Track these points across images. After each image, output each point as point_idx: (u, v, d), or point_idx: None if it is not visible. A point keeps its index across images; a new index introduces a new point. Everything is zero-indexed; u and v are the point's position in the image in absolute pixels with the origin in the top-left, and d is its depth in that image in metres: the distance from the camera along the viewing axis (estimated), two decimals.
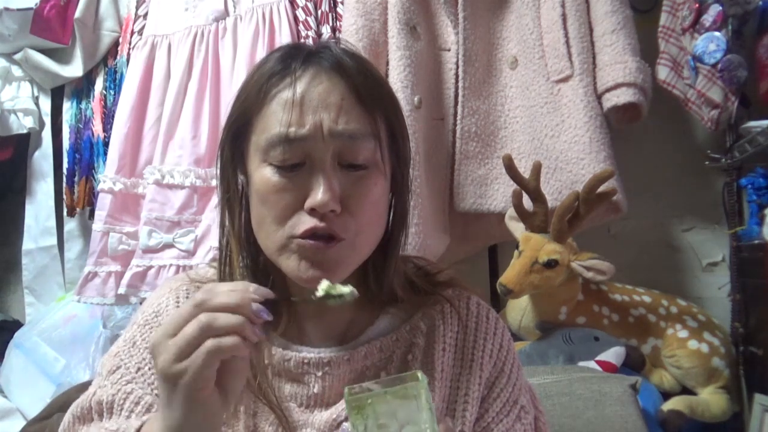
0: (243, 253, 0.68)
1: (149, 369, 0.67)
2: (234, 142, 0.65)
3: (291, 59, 0.63)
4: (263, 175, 0.61)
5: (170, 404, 0.51)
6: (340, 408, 0.65)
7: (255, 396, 0.65)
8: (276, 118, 0.60)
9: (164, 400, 0.52)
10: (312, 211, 0.59)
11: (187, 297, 0.71)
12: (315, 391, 0.66)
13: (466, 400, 0.67)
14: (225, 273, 0.67)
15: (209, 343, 0.49)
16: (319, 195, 0.58)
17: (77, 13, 1.86)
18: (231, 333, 0.49)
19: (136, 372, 0.67)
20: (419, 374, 0.54)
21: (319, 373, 0.66)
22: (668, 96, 1.42)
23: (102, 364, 0.70)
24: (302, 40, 1.61)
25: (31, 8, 1.84)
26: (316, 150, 0.59)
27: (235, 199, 0.67)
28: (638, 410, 1.18)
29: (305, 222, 0.59)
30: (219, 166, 0.67)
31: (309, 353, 0.67)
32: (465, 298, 0.73)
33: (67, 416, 0.68)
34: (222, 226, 0.68)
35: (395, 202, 0.68)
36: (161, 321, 0.70)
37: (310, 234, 0.59)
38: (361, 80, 0.62)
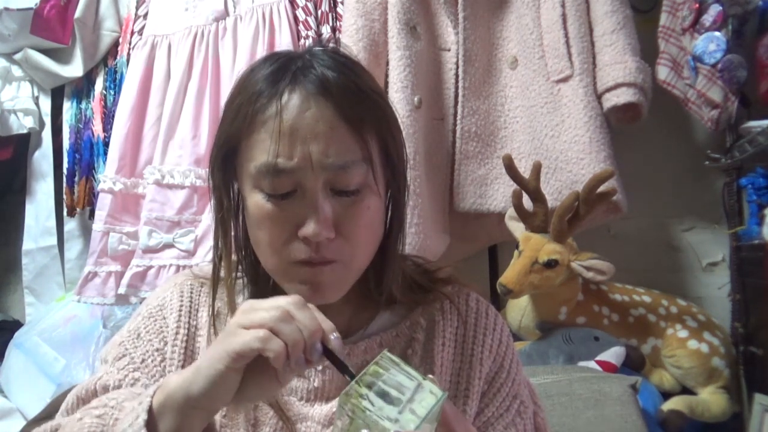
0: (241, 262, 0.69)
1: (152, 361, 0.68)
2: (224, 163, 0.65)
3: (277, 80, 0.60)
4: (256, 201, 0.61)
5: (203, 363, 0.52)
6: None
7: None
8: (264, 147, 0.58)
9: (199, 362, 0.53)
10: (306, 239, 0.59)
11: (191, 292, 0.73)
12: (315, 384, 0.67)
13: (467, 395, 0.67)
14: (215, 289, 0.69)
15: (263, 333, 0.50)
16: (312, 225, 0.58)
17: (77, 13, 1.86)
18: (286, 342, 0.50)
19: (141, 363, 0.68)
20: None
21: (320, 367, 0.67)
22: (668, 96, 1.42)
23: (106, 351, 0.71)
24: (302, 41, 1.61)
25: (31, 8, 1.84)
26: (306, 180, 0.58)
27: (228, 217, 0.67)
28: (638, 410, 1.18)
29: (301, 251, 0.60)
30: (210, 184, 0.67)
31: None
32: (464, 294, 0.73)
33: (71, 397, 0.68)
34: (215, 246, 0.68)
35: (392, 210, 0.68)
36: (165, 314, 0.71)
37: (307, 263, 0.60)
38: (351, 100, 0.59)
